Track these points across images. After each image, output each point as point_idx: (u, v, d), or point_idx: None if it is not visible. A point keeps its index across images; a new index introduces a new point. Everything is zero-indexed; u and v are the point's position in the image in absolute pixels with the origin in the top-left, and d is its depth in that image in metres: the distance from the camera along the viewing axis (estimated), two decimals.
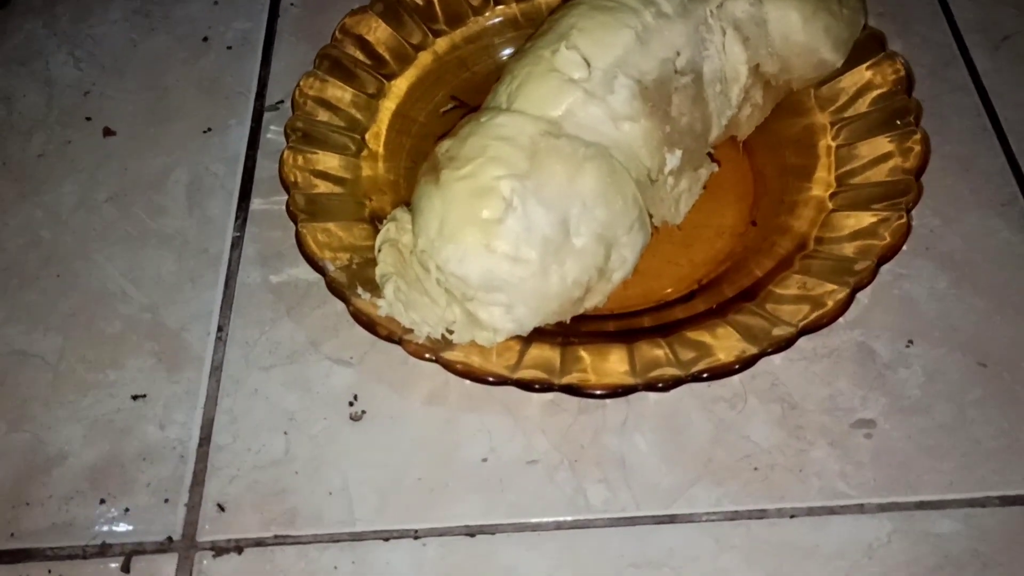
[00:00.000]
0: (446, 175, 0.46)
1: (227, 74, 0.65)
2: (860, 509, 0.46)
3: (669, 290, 0.52)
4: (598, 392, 0.45)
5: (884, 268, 0.50)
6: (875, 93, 0.54)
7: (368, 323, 0.47)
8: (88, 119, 0.63)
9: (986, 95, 0.60)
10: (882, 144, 0.52)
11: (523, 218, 0.45)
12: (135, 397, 0.50)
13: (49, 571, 0.46)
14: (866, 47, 0.56)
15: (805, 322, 0.45)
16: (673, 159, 0.49)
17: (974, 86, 0.61)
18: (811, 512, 0.46)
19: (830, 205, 0.51)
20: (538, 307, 0.46)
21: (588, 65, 0.47)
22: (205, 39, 0.67)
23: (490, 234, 0.44)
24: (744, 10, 0.51)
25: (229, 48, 0.66)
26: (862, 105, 0.54)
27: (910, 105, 0.53)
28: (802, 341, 0.49)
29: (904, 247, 0.51)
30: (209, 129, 0.62)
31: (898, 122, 0.52)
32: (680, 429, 0.48)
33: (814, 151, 0.54)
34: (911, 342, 0.51)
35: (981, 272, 0.53)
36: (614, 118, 0.47)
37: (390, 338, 0.47)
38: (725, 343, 0.46)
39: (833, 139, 0.54)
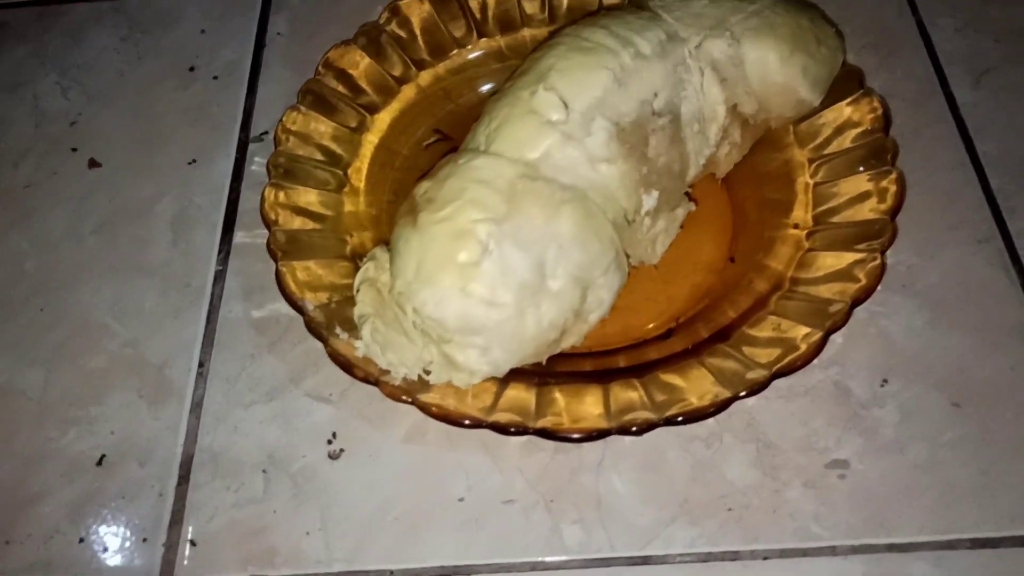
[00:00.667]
0: (424, 217, 0.46)
1: (213, 104, 0.65)
2: (832, 551, 0.46)
3: (649, 326, 0.53)
4: (573, 436, 0.45)
5: (861, 305, 0.50)
6: (854, 131, 0.54)
7: (345, 364, 0.47)
8: (74, 149, 0.63)
9: (965, 129, 0.61)
10: (859, 183, 0.52)
11: (499, 261, 0.45)
12: (99, 460, 0.50)
13: None
14: (846, 84, 0.56)
15: (778, 366, 0.46)
16: (650, 200, 0.50)
17: (954, 119, 0.61)
18: (784, 554, 0.46)
19: (807, 244, 0.52)
20: (514, 350, 0.46)
21: (566, 107, 0.48)
22: (192, 68, 0.67)
23: (466, 277, 0.45)
24: (722, 51, 0.51)
25: (215, 78, 0.67)
26: (841, 143, 0.54)
27: (887, 144, 0.53)
28: (779, 380, 0.49)
29: (882, 284, 0.51)
30: (194, 160, 0.62)
31: (874, 161, 0.52)
32: (656, 468, 0.49)
33: (792, 187, 0.54)
34: (886, 381, 0.51)
35: (957, 309, 0.53)
36: (591, 160, 0.48)
37: (367, 380, 0.47)
38: (699, 386, 0.46)
39: (811, 176, 0.54)
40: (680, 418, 0.45)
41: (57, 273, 0.58)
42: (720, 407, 0.45)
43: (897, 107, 0.60)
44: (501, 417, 0.46)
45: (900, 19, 0.67)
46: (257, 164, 0.62)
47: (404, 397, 0.47)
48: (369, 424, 0.51)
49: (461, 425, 0.46)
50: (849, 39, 0.60)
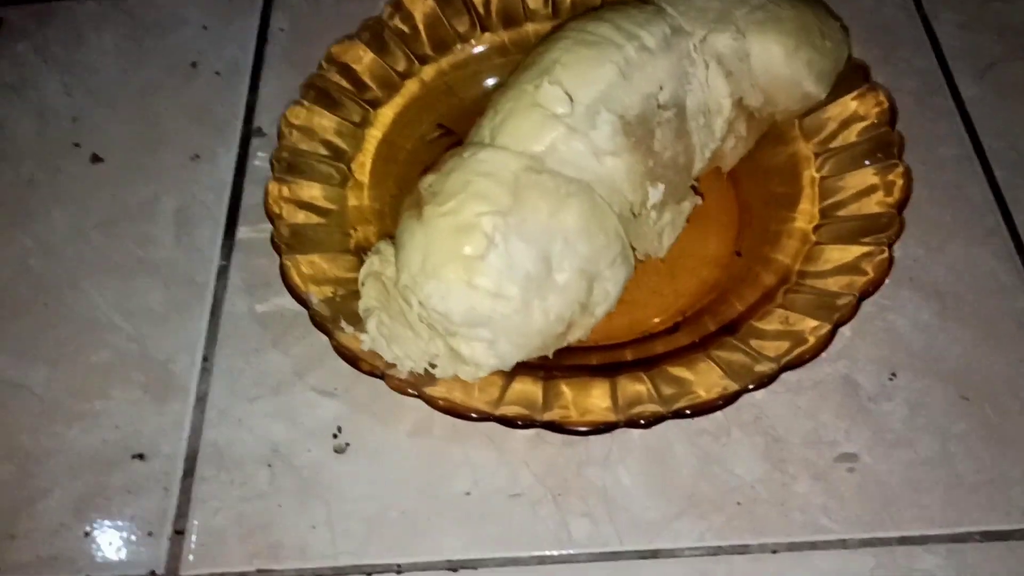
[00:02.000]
0: (429, 211, 0.46)
1: (215, 100, 0.65)
2: (842, 544, 0.46)
3: (656, 320, 0.53)
4: (580, 429, 0.45)
5: (868, 299, 0.50)
6: (859, 125, 0.54)
7: (351, 358, 0.47)
8: (77, 145, 0.63)
9: (970, 123, 0.61)
10: (865, 177, 0.52)
11: (505, 255, 0.45)
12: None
13: None
14: (851, 78, 0.56)
15: (787, 358, 0.46)
16: (656, 193, 0.49)
17: (959, 113, 0.61)
18: (793, 547, 0.46)
19: (814, 238, 0.51)
20: (520, 343, 0.46)
21: (571, 100, 0.48)
22: (194, 65, 0.67)
23: (472, 271, 0.45)
24: (727, 44, 0.51)
25: (218, 74, 0.67)
26: (846, 137, 0.54)
27: (893, 138, 0.53)
28: (786, 374, 0.49)
29: (889, 278, 0.51)
30: (197, 156, 0.62)
31: (880, 155, 0.52)
32: (664, 462, 0.49)
33: (798, 181, 0.54)
34: (895, 375, 0.51)
35: (965, 303, 0.53)
36: (597, 153, 0.47)
37: (373, 373, 0.47)
38: (707, 379, 0.46)
39: (817, 170, 0.54)
40: (688, 411, 0.45)
41: (61, 270, 0.57)
42: (728, 400, 0.45)
43: (902, 102, 0.60)
44: (508, 410, 0.45)
45: (904, 15, 0.67)
46: (260, 160, 0.62)
47: (410, 390, 0.46)
48: (375, 418, 0.50)
49: (468, 418, 0.46)
50: (853, 35, 0.59)
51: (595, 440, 0.49)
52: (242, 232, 0.58)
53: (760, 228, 0.55)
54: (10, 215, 0.60)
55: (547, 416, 0.45)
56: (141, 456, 0.50)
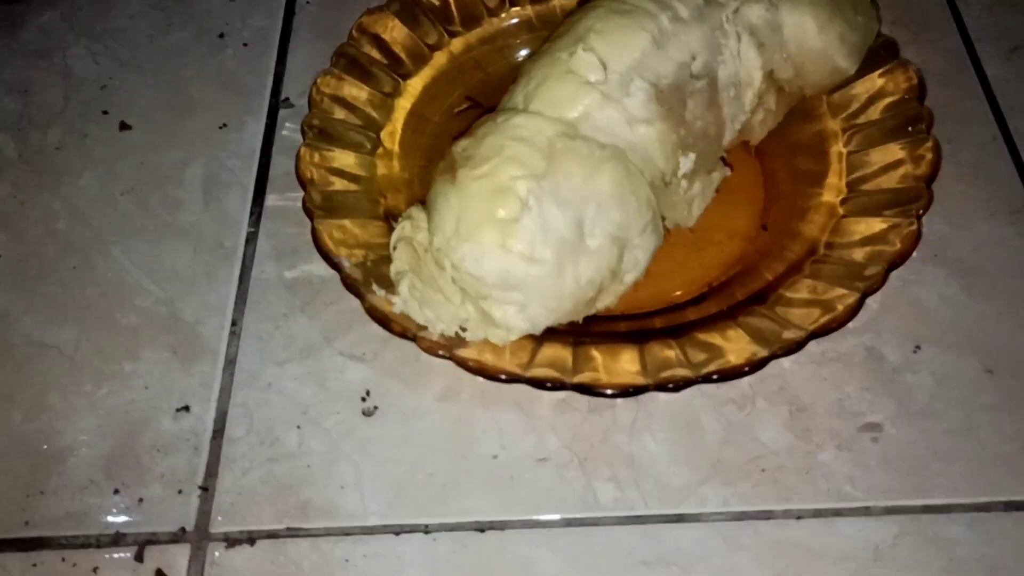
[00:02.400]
0: (463, 174, 0.46)
1: (243, 70, 0.66)
2: (867, 512, 0.46)
3: (680, 292, 0.53)
4: (609, 391, 0.45)
5: (893, 274, 0.50)
6: (887, 100, 0.54)
7: (383, 320, 0.48)
8: (105, 113, 0.64)
9: (996, 104, 0.61)
10: (893, 151, 0.52)
11: (539, 218, 0.45)
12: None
13: (63, 560, 0.46)
14: (879, 54, 0.56)
15: (815, 326, 0.46)
16: (687, 162, 0.50)
17: (985, 95, 0.62)
18: (818, 514, 0.46)
19: (841, 211, 0.52)
20: (552, 306, 0.46)
21: (605, 68, 0.48)
22: (222, 35, 0.68)
23: (506, 233, 0.45)
24: (760, 16, 0.51)
25: (245, 45, 0.67)
26: (874, 112, 0.54)
27: (922, 113, 0.53)
28: (811, 345, 0.49)
29: (914, 253, 0.52)
30: (225, 125, 0.63)
31: (910, 129, 0.53)
32: (689, 430, 0.49)
33: (825, 157, 0.55)
34: (919, 347, 0.51)
35: (990, 279, 0.54)
36: (630, 121, 0.48)
37: (404, 335, 0.47)
38: (735, 345, 0.46)
39: (845, 145, 0.54)
40: (716, 375, 0.45)
41: (89, 233, 0.58)
42: (756, 366, 0.45)
43: (928, 82, 0.60)
44: (538, 372, 0.46)
45: None
46: (288, 129, 0.62)
47: (441, 352, 0.47)
48: (403, 383, 0.51)
49: (498, 379, 0.46)
50: (882, 16, 0.60)
51: (621, 408, 0.49)
52: (270, 200, 0.59)
53: (787, 203, 0.55)
54: (39, 180, 0.60)
55: (577, 379, 0.45)
56: (170, 416, 0.50)
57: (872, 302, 0.51)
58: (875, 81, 0.55)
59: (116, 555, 0.47)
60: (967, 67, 0.63)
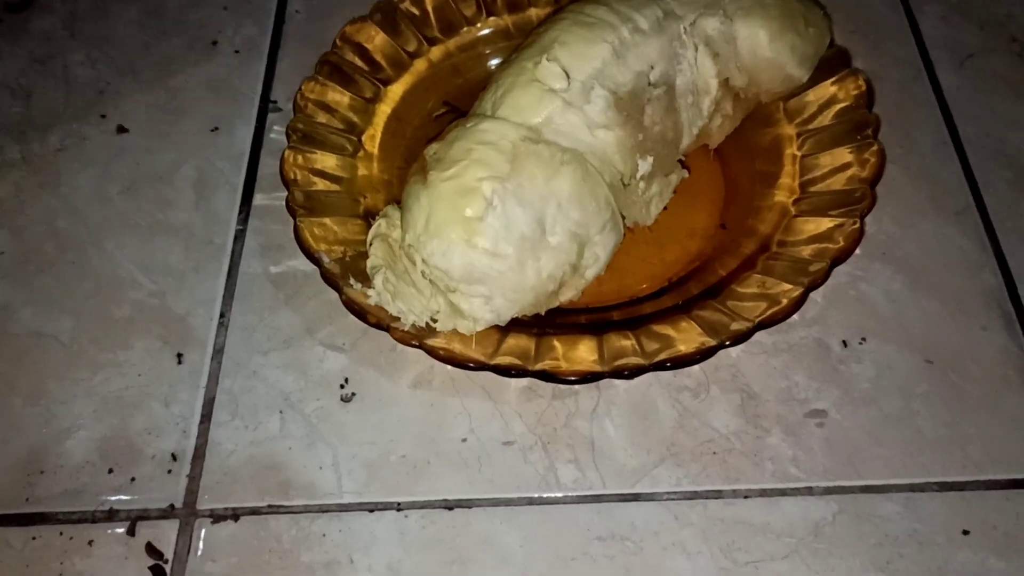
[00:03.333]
0: (433, 176, 0.50)
1: (234, 76, 0.69)
2: (809, 491, 0.50)
3: (645, 286, 0.56)
4: (569, 378, 0.49)
5: (843, 270, 0.54)
6: (838, 107, 0.57)
7: (359, 311, 0.51)
8: (103, 116, 0.67)
9: (948, 110, 0.64)
10: (842, 155, 0.56)
11: (502, 216, 0.48)
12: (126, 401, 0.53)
13: (60, 533, 0.50)
14: (833, 63, 0.59)
15: (761, 317, 0.49)
16: (645, 165, 0.53)
17: (937, 101, 0.65)
18: (764, 493, 0.50)
19: (793, 210, 0.55)
20: (515, 299, 0.50)
21: (568, 76, 0.51)
22: (214, 43, 0.71)
23: (472, 231, 0.48)
24: (715, 28, 0.54)
25: (237, 52, 0.70)
26: (825, 118, 0.57)
27: (869, 119, 0.56)
28: (764, 337, 0.53)
29: (863, 251, 0.56)
30: (216, 128, 0.66)
31: (858, 136, 0.56)
32: (646, 415, 0.52)
33: (781, 160, 0.58)
34: (864, 339, 0.54)
35: (934, 276, 0.57)
36: (590, 126, 0.51)
37: (379, 325, 0.51)
38: (687, 336, 0.49)
39: (798, 149, 0.57)
40: (668, 363, 0.48)
41: (86, 230, 0.61)
42: (706, 354, 0.49)
43: (884, 89, 0.64)
44: (503, 360, 0.49)
45: (888, 6, 0.70)
46: (276, 132, 0.65)
47: (413, 342, 0.50)
48: (379, 371, 0.54)
49: (466, 367, 0.49)
50: (839, 24, 0.63)
51: (583, 394, 0.53)
52: (258, 199, 0.62)
53: (744, 203, 0.58)
54: (39, 180, 0.64)
55: (539, 366, 0.49)
56: (161, 402, 0.53)
57: (821, 297, 0.55)
58: (827, 88, 0.58)
59: (110, 530, 0.50)
60: (921, 75, 0.66)
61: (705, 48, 0.54)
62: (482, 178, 0.49)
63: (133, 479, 0.51)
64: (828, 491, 0.50)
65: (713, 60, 0.55)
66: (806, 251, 0.52)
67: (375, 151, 0.60)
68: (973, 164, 0.61)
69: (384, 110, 0.62)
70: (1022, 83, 0.66)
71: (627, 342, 0.50)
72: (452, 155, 0.50)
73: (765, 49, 0.55)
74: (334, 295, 0.53)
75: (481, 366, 0.49)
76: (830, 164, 0.56)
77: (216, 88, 0.68)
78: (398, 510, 0.50)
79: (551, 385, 0.53)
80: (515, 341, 0.50)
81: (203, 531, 0.49)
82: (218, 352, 0.56)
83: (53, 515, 0.50)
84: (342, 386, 0.54)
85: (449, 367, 0.52)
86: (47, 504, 0.51)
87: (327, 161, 0.58)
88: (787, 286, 0.50)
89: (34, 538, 0.49)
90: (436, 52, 0.64)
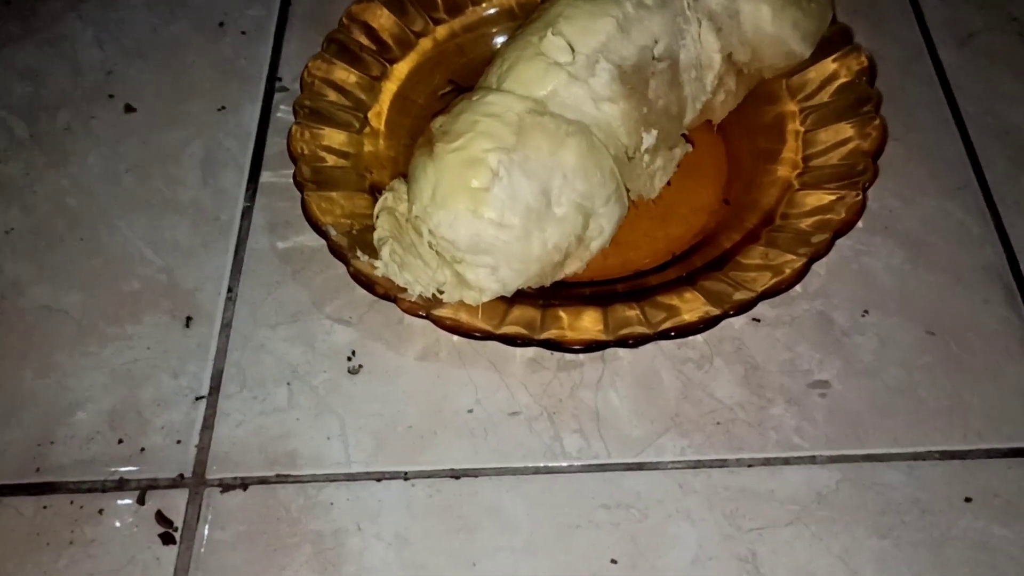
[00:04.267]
0: (439, 147, 0.50)
1: (241, 57, 0.69)
2: (812, 460, 0.50)
3: (648, 260, 0.57)
4: (574, 347, 0.49)
5: (845, 244, 0.55)
6: (840, 82, 0.58)
7: (366, 282, 0.51)
8: (111, 96, 0.67)
9: (949, 88, 0.65)
10: (844, 129, 0.56)
11: (508, 187, 0.49)
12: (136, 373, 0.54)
13: (71, 503, 0.50)
14: (835, 40, 0.60)
15: (764, 287, 0.50)
16: (649, 138, 0.53)
17: (939, 80, 0.65)
18: (767, 462, 0.50)
19: (795, 184, 0.56)
20: (521, 269, 0.50)
21: (572, 50, 0.52)
22: (221, 24, 0.72)
23: (478, 201, 0.49)
24: (719, 3, 0.55)
25: (243, 33, 0.71)
26: (827, 94, 0.58)
27: (871, 94, 0.57)
28: (767, 309, 0.54)
29: (865, 225, 0.56)
30: (223, 107, 0.66)
31: (860, 110, 0.56)
32: (651, 386, 0.53)
33: (783, 135, 0.58)
34: (867, 312, 0.55)
35: (934, 250, 0.57)
36: (595, 99, 0.52)
37: (386, 296, 0.51)
38: (691, 305, 0.50)
39: (801, 124, 0.58)
40: (672, 332, 0.49)
41: (96, 208, 0.62)
42: (709, 324, 0.49)
43: (886, 68, 0.64)
44: (509, 330, 0.50)
45: None
46: (282, 112, 0.66)
47: (420, 312, 0.51)
48: (386, 344, 0.55)
49: (472, 337, 0.50)
50: (840, 4, 0.64)
51: (588, 365, 0.53)
52: (265, 177, 0.63)
53: (748, 178, 0.59)
54: (49, 159, 0.64)
55: (544, 335, 0.49)
56: (170, 374, 0.54)
57: (824, 269, 0.55)
58: (829, 65, 0.59)
59: (120, 499, 0.50)
60: (923, 54, 0.67)
61: (708, 23, 0.55)
62: (488, 149, 0.49)
63: (143, 449, 0.52)
64: (831, 460, 0.50)
65: (716, 35, 0.55)
66: (809, 223, 0.53)
67: (381, 128, 0.61)
68: (974, 141, 0.62)
69: (390, 88, 0.62)
70: (1022, 62, 0.66)
71: (632, 312, 0.50)
72: (458, 127, 0.50)
73: (768, 24, 0.56)
74: (341, 270, 0.53)
75: (487, 336, 0.50)
76: (832, 139, 0.56)
77: (223, 68, 0.69)
78: (405, 479, 0.50)
79: (556, 356, 0.53)
80: (521, 312, 0.51)
81: (212, 500, 0.50)
82: (226, 326, 0.56)
83: (64, 484, 0.51)
84: (349, 358, 0.54)
85: (455, 339, 0.53)
86: (58, 474, 0.51)
87: (334, 137, 0.58)
88: (790, 257, 0.51)
89: (45, 507, 0.50)
90: (441, 31, 0.65)
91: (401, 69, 0.63)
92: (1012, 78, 0.65)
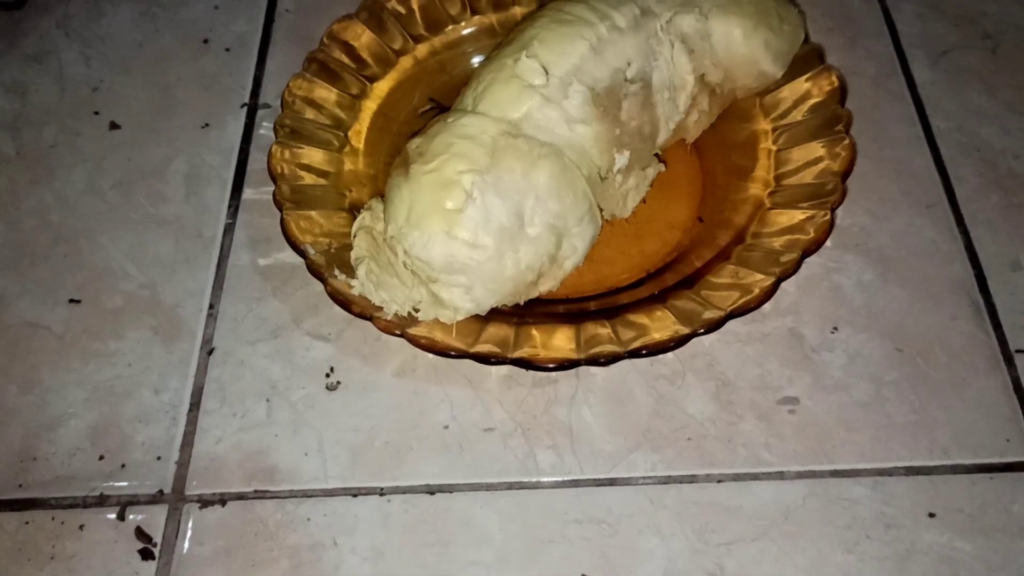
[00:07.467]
0: (415, 169, 0.51)
1: (225, 73, 0.70)
2: (780, 476, 0.51)
3: (623, 276, 0.58)
4: (547, 365, 0.50)
5: (816, 261, 0.56)
6: (811, 102, 0.59)
7: (343, 301, 0.52)
8: (96, 113, 0.68)
9: (921, 105, 0.66)
10: (815, 149, 0.57)
11: (482, 208, 0.50)
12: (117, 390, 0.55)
13: (52, 518, 0.51)
14: (808, 59, 0.61)
15: (733, 307, 0.51)
16: (622, 159, 0.54)
17: (911, 97, 0.66)
18: (736, 478, 0.51)
19: (767, 203, 0.56)
20: (494, 289, 0.51)
21: (546, 72, 0.53)
22: (206, 41, 0.72)
23: (452, 222, 0.50)
24: (691, 25, 0.56)
25: (227, 49, 0.72)
26: (799, 113, 0.59)
27: (842, 114, 0.58)
28: (739, 326, 0.55)
29: (836, 242, 0.57)
30: (207, 124, 0.67)
31: (831, 131, 0.57)
32: (623, 403, 0.54)
33: (756, 154, 0.59)
34: (836, 328, 0.56)
35: (905, 267, 0.58)
36: (568, 121, 0.52)
37: (363, 315, 0.52)
38: (662, 324, 0.51)
39: (773, 143, 0.59)
40: (643, 351, 0.50)
41: (79, 223, 0.62)
42: (679, 342, 0.50)
43: (859, 85, 0.66)
44: (483, 348, 0.50)
45: (865, 3, 0.72)
46: (265, 129, 0.67)
47: (396, 331, 0.51)
48: (363, 360, 0.56)
49: (447, 355, 0.51)
50: (816, 21, 0.65)
51: (562, 382, 0.54)
52: (247, 193, 0.63)
53: (721, 196, 0.59)
54: (34, 174, 0.65)
55: (517, 354, 0.50)
56: (152, 390, 0.55)
57: (795, 287, 0.56)
58: (802, 85, 0.60)
59: (100, 515, 0.51)
60: (896, 71, 0.68)
61: (681, 45, 0.56)
62: (462, 171, 0.50)
63: (123, 465, 0.53)
64: (799, 475, 0.51)
65: (689, 57, 0.56)
66: (779, 242, 0.54)
67: (361, 146, 0.62)
68: (945, 157, 0.63)
69: (370, 106, 0.63)
70: (994, 78, 0.67)
71: (603, 330, 0.51)
72: (433, 149, 0.51)
73: (740, 46, 0.57)
74: (320, 287, 0.54)
75: (462, 354, 0.51)
76: (803, 158, 0.57)
77: (207, 85, 0.70)
78: (381, 495, 0.51)
79: (531, 373, 0.54)
80: (495, 330, 0.52)
81: (191, 516, 0.51)
82: (207, 342, 0.57)
83: (45, 500, 0.52)
84: (328, 375, 0.55)
85: (431, 356, 0.54)
86: (40, 490, 0.52)
87: (314, 156, 0.59)
88: (759, 276, 0.52)
89: (27, 523, 0.51)
90: (422, 49, 0.66)
91: (381, 87, 0.64)
92: (984, 95, 0.66)
